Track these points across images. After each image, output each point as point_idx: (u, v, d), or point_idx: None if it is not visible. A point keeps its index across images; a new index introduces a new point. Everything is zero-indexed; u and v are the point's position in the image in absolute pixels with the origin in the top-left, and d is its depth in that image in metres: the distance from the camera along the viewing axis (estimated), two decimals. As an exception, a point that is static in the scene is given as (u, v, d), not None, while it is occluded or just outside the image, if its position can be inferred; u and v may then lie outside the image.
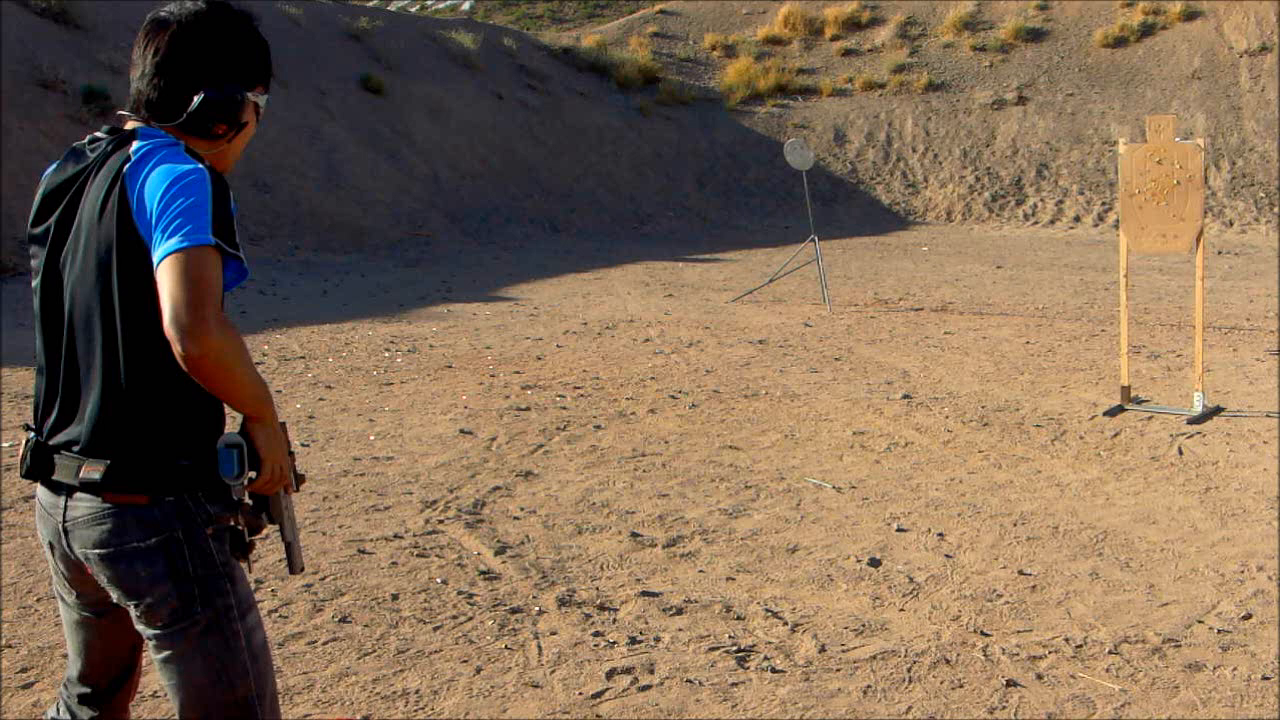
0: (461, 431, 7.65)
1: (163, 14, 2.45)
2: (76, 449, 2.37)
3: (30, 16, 18.72)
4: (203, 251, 2.21)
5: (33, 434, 2.47)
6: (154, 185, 2.28)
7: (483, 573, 5.11)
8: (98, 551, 2.36)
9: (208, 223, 2.23)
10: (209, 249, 2.22)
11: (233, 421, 2.41)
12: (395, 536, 5.59)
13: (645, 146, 26.73)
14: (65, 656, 4.21)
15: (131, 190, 2.30)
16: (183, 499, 2.37)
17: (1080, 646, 4.34)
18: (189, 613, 2.37)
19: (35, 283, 2.47)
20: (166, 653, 2.40)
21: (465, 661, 4.24)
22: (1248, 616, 4.61)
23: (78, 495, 2.37)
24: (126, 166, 2.33)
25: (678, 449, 7.24)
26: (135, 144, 2.37)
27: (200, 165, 2.32)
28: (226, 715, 2.43)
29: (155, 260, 2.22)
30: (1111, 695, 3.96)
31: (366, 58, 24.55)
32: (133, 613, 2.41)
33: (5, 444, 7.14)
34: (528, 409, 8.31)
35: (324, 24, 24.61)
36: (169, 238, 2.21)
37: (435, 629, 4.52)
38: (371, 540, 5.54)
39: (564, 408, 8.36)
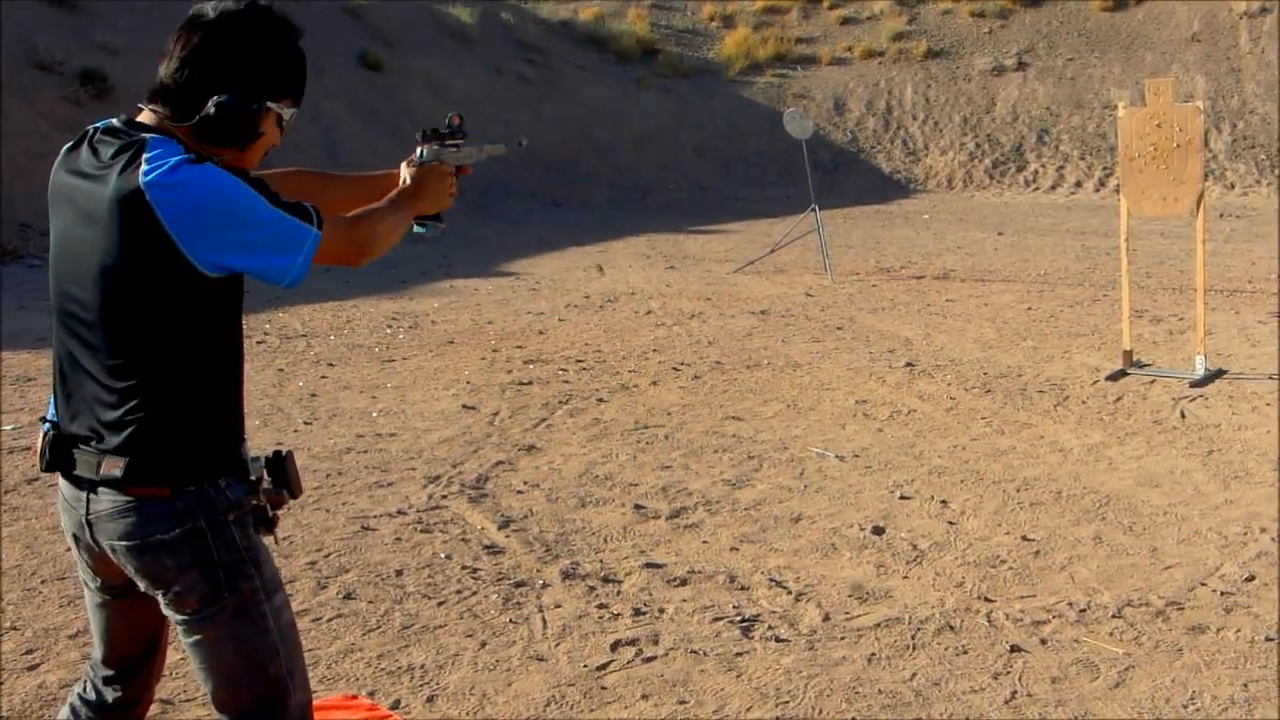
0: (464, 407, 7.65)
1: (203, 10, 2.40)
2: (96, 445, 2.37)
3: (26, -2, 18.65)
4: (315, 242, 2.38)
5: (49, 426, 2.48)
6: (211, 212, 2.26)
7: (486, 547, 5.12)
8: (124, 544, 2.38)
9: (295, 220, 2.36)
10: (315, 239, 2.38)
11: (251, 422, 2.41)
12: (399, 512, 5.60)
13: (645, 118, 26.63)
14: (70, 638, 4.24)
15: (165, 212, 2.24)
16: (204, 489, 2.38)
17: (1084, 611, 4.35)
18: (216, 598, 2.39)
19: (51, 275, 2.45)
20: (196, 637, 2.42)
21: (470, 636, 4.25)
22: (1251, 578, 4.61)
23: (100, 489, 2.38)
24: (145, 186, 2.24)
25: (680, 421, 7.25)
26: (144, 165, 2.26)
27: (223, 175, 2.29)
28: (258, 694, 2.46)
29: (290, 279, 2.35)
30: (1115, 659, 3.97)
31: (365, 34, 24.45)
32: (161, 601, 2.43)
33: (6, 427, 7.13)
34: (530, 383, 8.31)
35: (322, 1, 24.50)
36: (288, 254, 2.34)
37: (440, 604, 4.53)
38: (375, 516, 5.55)
39: (566, 381, 8.36)
